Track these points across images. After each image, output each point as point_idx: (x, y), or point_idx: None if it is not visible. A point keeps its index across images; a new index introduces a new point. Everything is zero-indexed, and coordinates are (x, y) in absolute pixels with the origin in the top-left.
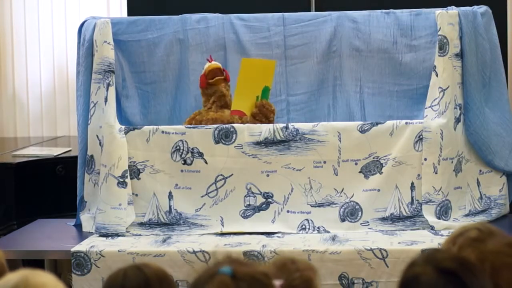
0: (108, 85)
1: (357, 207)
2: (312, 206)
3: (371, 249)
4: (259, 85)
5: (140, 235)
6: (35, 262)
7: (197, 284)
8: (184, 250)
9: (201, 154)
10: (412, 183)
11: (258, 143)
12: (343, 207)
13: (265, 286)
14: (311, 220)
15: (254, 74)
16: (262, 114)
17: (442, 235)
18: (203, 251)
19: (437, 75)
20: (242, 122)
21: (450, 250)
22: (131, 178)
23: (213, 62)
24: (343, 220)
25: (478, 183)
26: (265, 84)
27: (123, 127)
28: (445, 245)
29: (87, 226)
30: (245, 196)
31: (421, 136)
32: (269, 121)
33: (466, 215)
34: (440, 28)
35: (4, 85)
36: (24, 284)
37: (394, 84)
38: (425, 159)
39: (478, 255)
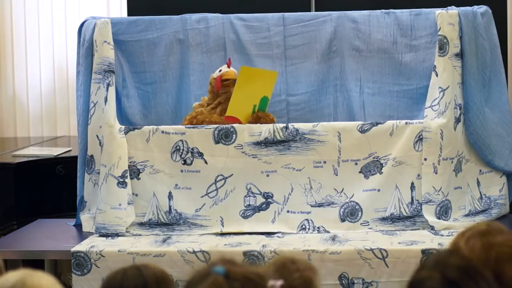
0: (108, 85)
1: (357, 207)
2: (312, 206)
3: (371, 249)
4: (258, 94)
5: (140, 235)
6: (35, 262)
7: (190, 284)
8: (184, 250)
9: (201, 154)
10: (412, 183)
11: (258, 143)
12: (343, 207)
13: (259, 286)
14: (311, 220)
15: (253, 83)
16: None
17: (442, 235)
18: (203, 251)
19: (437, 75)
20: None
21: (463, 249)
22: (131, 178)
23: (231, 69)
24: (343, 220)
25: (478, 183)
26: (264, 94)
27: (123, 127)
28: (456, 239)
29: (87, 226)
30: (245, 196)
31: (421, 136)
32: None
33: (466, 215)
34: (440, 28)
35: (4, 85)
36: (20, 285)
37: (394, 84)
38: (425, 159)
39: (485, 245)
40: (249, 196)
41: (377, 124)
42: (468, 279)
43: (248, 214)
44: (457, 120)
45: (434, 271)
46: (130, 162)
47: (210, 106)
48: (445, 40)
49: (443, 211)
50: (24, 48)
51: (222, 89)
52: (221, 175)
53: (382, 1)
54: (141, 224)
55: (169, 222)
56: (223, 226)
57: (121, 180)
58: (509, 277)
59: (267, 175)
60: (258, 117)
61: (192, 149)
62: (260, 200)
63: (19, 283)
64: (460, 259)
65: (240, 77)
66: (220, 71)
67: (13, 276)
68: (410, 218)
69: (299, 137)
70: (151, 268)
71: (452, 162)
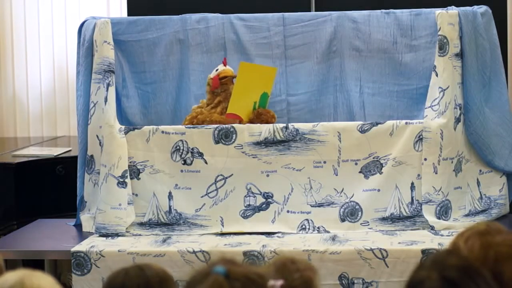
0: (108, 85)
1: (357, 207)
2: (312, 206)
3: (371, 249)
4: (258, 90)
5: (140, 235)
6: (35, 262)
7: (191, 284)
8: (184, 250)
9: (201, 154)
10: (412, 183)
11: (258, 143)
12: (343, 207)
13: (260, 286)
14: (311, 220)
15: (252, 79)
16: (262, 121)
17: (442, 235)
18: (203, 251)
19: (437, 75)
20: None
21: (459, 252)
22: (131, 178)
23: (227, 67)
24: (343, 220)
25: (478, 183)
26: (264, 90)
27: (123, 127)
28: (455, 239)
29: (87, 226)
30: (245, 196)
31: (421, 136)
32: None
33: (466, 215)
34: (440, 28)
35: (4, 85)
36: (19, 286)
37: (394, 84)
38: (425, 159)
39: (483, 244)
40: (249, 196)
41: (377, 124)
42: (467, 278)
43: (248, 214)
44: (457, 120)
45: (433, 271)
46: (130, 162)
47: (210, 106)
48: (445, 40)
49: (443, 211)
50: (24, 48)
51: (221, 87)
52: (221, 175)
53: (382, 1)
54: (141, 224)
55: (169, 222)
56: (223, 226)
57: (121, 180)
58: (508, 277)
59: (267, 175)
60: (259, 113)
61: (192, 149)
62: (260, 200)
63: (18, 283)
64: (458, 259)
65: (239, 73)
66: (216, 70)
67: (12, 276)
68: (410, 218)
69: (299, 137)
70: (153, 267)
71: (452, 162)
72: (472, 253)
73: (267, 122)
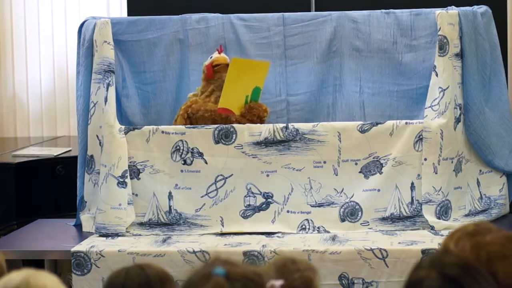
0: (108, 85)
1: (357, 207)
2: (312, 206)
3: (371, 249)
4: (249, 85)
5: (140, 235)
6: (35, 262)
7: (190, 286)
8: (184, 250)
9: (201, 154)
10: (412, 183)
11: (258, 143)
12: (343, 207)
13: (259, 285)
14: (311, 220)
15: (244, 74)
16: (254, 115)
17: (442, 235)
18: (203, 251)
19: (437, 75)
20: (236, 120)
21: (454, 251)
22: (131, 178)
23: (222, 55)
24: (343, 220)
25: (478, 183)
26: (256, 84)
27: (123, 127)
28: (445, 241)
29: (87, 226)
30: (245, 196)
31: (421, 136)
32: (261, 120)
33: (466, 215)
34: (440, 28)
35: (4, 85)
36: (25, 285)
37: (394, 84)
38: (425, 159)
39: (474, 245)
40: (249, 196)
41: (377, 124)
42: (467, 275)
43: (248, 214)
44: (457, 120)
45: (431, 270)
46: (130, 162)
47: (204, 94)
48: (445, 40)
49: (443, 211)
50: (24, 48)
51: (214, 75)
52: (221, 175)
53: (382, 1)
54: (141, 224)
55: (169, 222)
56: (223, 226)
57: (121, 180)
58: (502, 275)
59: (267, 175)
60: (250, 107)
61: (192, 149)
62: (260, 200)
63: (24, 283)
64: (456, 257)
65: (230, 69)
66: (211, 57)
67: (17, 276)
68: (410, 218)
69: (299, 137)
70: (154, 267)
71: (452, 162)
72: (464, 254)
73: (259, 116)
